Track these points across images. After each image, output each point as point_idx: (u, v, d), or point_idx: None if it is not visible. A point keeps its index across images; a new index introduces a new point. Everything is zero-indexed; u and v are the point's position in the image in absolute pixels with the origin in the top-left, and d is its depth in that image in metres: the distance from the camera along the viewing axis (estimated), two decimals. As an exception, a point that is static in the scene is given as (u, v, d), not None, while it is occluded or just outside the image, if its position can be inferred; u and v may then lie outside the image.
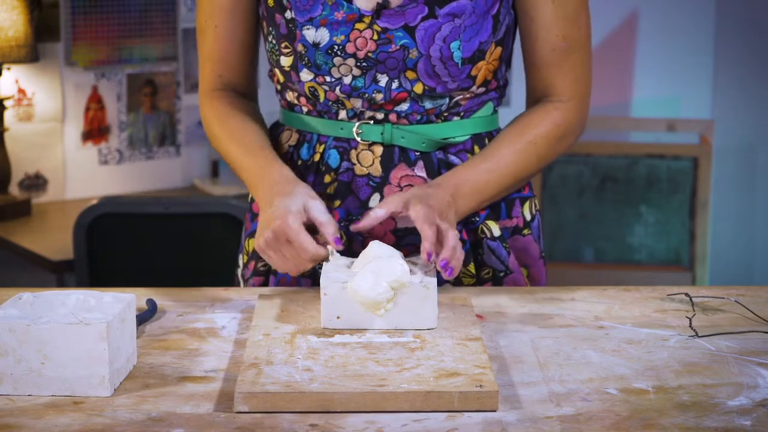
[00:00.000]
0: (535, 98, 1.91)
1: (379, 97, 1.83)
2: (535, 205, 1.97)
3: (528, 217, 1.95)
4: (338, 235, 1.69)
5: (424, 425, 1.35)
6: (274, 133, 1.96)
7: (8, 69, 3.81)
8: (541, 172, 4.15)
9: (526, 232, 1.94)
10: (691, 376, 1.49)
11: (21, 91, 3.94)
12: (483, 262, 1.90)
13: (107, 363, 1.41)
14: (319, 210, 1.72)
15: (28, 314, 1.43)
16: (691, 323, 1.66)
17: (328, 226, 1.70)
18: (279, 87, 1.93)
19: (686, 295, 1.77)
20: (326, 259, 1.68)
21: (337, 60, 1.82)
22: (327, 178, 1.88)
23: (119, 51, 4.08)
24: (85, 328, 1.40)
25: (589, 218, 4.43)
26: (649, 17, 4.66)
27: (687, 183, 4.38)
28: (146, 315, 1.67)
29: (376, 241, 1.67)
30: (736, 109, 4.68)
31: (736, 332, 1.64)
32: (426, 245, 1.66)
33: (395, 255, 1.64)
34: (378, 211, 1.72)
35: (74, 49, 3.99)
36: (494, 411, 1.38)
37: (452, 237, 1.67)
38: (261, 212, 1.76)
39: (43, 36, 3.92)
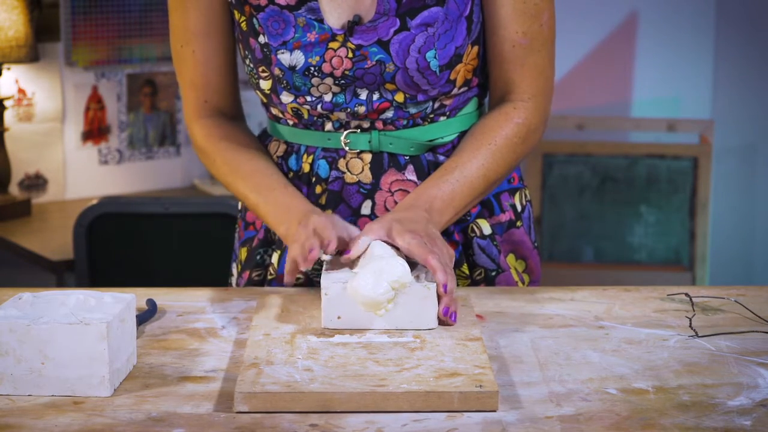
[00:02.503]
0: (496, 96, 1.89)
1: (362, 109, 1.82)
2: (526, 196, 1.97)
3: (519, 207, 1.94)
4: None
5: (424, 425, 1.35)
6: (262, 144, 1.95)
7: (8, 69, 3.81)
8: (541, 172, 4.14)
9: (519, 224, 1.94)
10: (691, 376, 1.49)
11: (21, 91, 3.94)
12: (475, 263, 1.89)
13: (107, 363, 1.41)
14: (355, 229, 1.71)
15: (28, 314, 1.43)
16: (691, 323, 1.66)
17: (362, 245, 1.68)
18: (263, 101, 1.91)
19: (686, 295, 1.77)
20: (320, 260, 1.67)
21: (315, 80, 1.80)
22: (318, 189, 1.87)
23: (119, 51, 4.08)
24: (85, 328, 1.40)
25: (589, 218, 4.43)
26: (649, 17, 4.66)
27: (687, 183, 4.38)
28: (146, 315, 1.67)
29: (378, 241, 1.67)
30: (736, 109, 4.68)
31: (736, 332, 1.64)
32: (440, 277, 1.60)
33: (396, 255, 1.64)
34: (364, 239, 1.68)
35: (74, 49, 3.99)
36: (494, 411, 1.38)
37: (451, 279, 1.63)
38: (294, 227, 1.73)
39: (43, 36, 3.92)
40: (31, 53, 3.73)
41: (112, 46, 4.06)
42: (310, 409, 1.37)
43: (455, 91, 1.84)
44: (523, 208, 1.96)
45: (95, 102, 4.08)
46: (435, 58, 1.78)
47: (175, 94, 4.20)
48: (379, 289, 1.57)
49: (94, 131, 4.09)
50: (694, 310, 1.72)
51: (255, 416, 1.37)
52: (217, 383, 1.46)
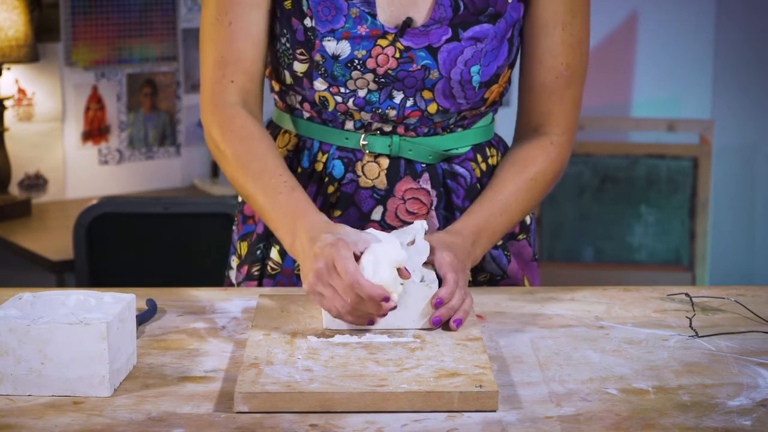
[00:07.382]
0: (527, 126, 1.89)
1: (393, 113, 1.81)
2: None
3: (528, 220, 1.95)
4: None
5: (424, 425, 1.35)
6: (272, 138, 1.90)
7: (8, 69, 3.81)
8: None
9: (521, 237, 1.94)
10: (691, 376, 1.49)
11: (21, 91, 3.94)
12: (482, 268, 1.89)
13: (107, 363, 1.41)
14: (365, 237, 1.62)
15: (28, 314, 1.43)
16: (691, 323, 1.66)
17: None
18: (279, 88, 1.88)
19: (686, 295, 1.77)
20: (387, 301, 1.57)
21: (355, 74, 1.79)
22: (330, 189, 1.85)
23: (119, 51, 4.08)
24: (85, 328, 1.40)
25: (589, 218, 4.43)
26: (649, 17, 4.66)
27: (687, 183, 4.38)
28: (146, 315, 1.67)
29: (371, 228, 1.64)
30: (736, 109, 4.68)
31: (736, 332, 1.64)
32: (443, 292, 1.59)
33: (392, 239, 1.61)
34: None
35: (74, 49, 3.99)
36: (494, 411, 1.38)
37: (469, 303, 1.63)
38: (303, 252, 1.63)
39: (43, 36, 3.92)
40: (31, 53, 3.73)
41: (111, 46, 4.06)
42: (310, 409, 1.37)
43: (483, 109, 1.85)
44: (530, 221, 1.96)
45: (95, 102, 4.08)
46: (478, 73, 1.79)
47: (175, 94, 4.20)
48: (382, 274, 1.56)
49: (94, 131, 4.09)
50: (694, 310, 1.72)
51: (255, 416, 1.37)
52: (217, 383, 1.46)
